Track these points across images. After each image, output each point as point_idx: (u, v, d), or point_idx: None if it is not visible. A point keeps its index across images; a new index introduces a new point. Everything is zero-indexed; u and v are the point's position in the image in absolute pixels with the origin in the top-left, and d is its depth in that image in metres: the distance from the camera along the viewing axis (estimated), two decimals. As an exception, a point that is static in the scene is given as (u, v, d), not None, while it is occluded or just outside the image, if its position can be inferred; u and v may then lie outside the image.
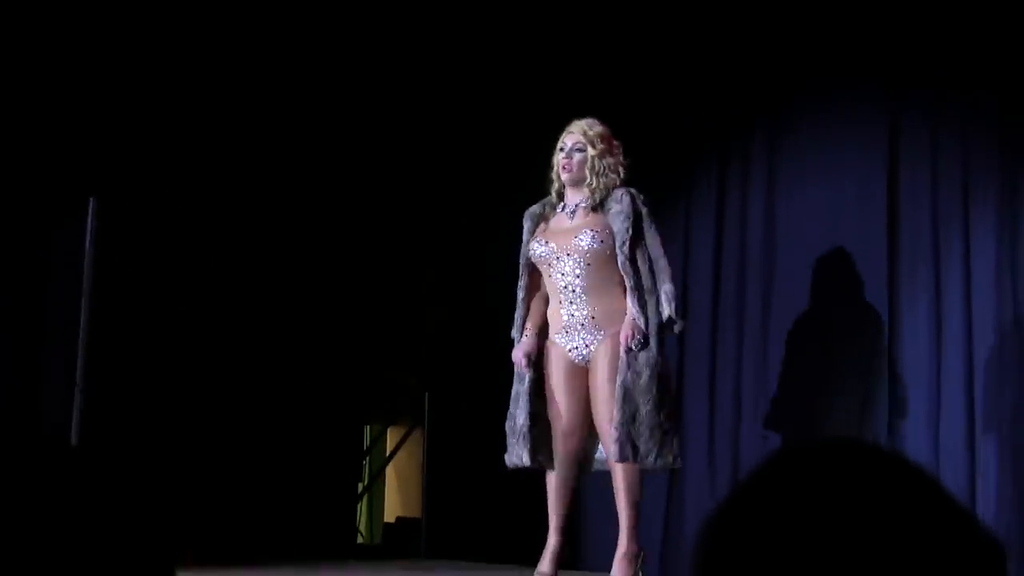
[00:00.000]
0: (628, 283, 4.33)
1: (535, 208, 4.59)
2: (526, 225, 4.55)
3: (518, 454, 4.45)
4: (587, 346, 4.40)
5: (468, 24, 6.47)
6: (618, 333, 4.31)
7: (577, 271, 4.40)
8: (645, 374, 4.27)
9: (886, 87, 5.42)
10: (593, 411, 4.36)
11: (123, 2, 5.81)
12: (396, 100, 6.64)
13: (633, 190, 4.45)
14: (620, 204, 4.41)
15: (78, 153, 5.75)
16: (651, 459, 4.29)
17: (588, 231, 4.39)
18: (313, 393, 6.38)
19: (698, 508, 5.64)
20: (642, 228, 4.40)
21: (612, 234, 4.37)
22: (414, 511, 7.18)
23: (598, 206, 4.45)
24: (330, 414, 6.53)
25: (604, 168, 4.46)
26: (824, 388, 5.46)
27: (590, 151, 4.46)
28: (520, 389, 4.47)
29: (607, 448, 4.33)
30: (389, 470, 7.93)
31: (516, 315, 4.53)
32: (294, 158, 6.37)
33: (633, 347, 4.25)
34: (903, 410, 5.24)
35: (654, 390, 4.27)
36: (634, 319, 4.29)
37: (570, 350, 4.42)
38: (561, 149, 4.51)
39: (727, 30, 5.85)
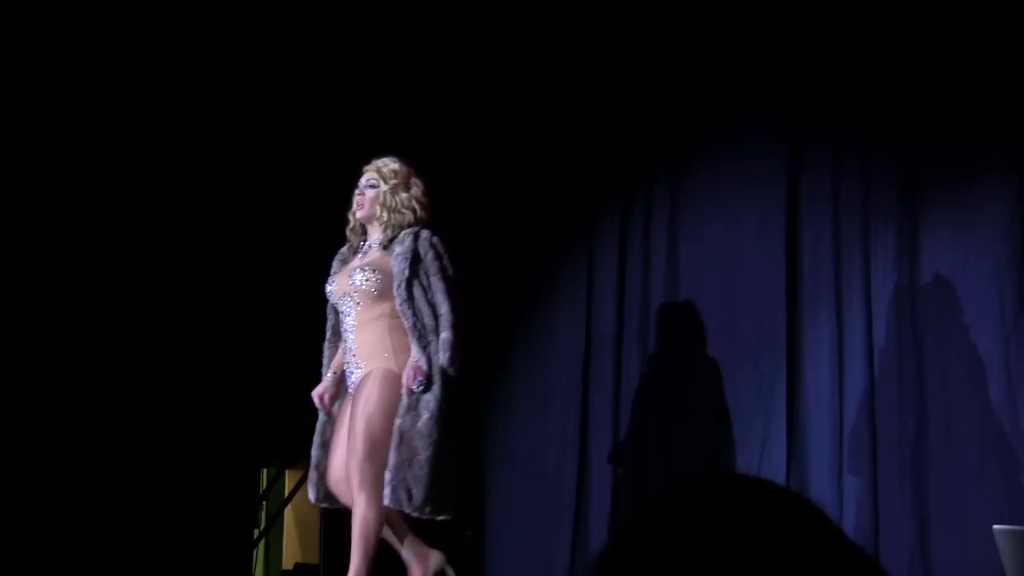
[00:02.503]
0: (406, 324, 4.29)
1: (343, 250, 4.61)
2: (332, 268, 4.57)
3: (310, 491, 4.56)
4: (353, 382, 4.39)
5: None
6: (377, 369, 4.29)
7: (349, 309, 4.40)
8: (424, 417, 4.21)
9: (788, 121, 5.45)
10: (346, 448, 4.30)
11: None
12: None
13: (425, 232, 4.42)
14: (402, 246, 4.37)
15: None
16: (428, 508, 4.25)
17: (360, 270, 4.39)
18: (207, 432, 6.17)
19: (601, 542, 5.55)
20: (423, 271, 4.34)
21: (390, 275, 4.34)
22: (313, 557, 7.00)
23: (387, 244, 4.44)
24: (225, 454, 6.33)
25: (396, 204, 4.44)
26: (726, 421, 5.42)
27: (382, 187, 4.46)
28: (317, 427, 4.55)
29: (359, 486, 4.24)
30: (287, 514, 7.73)
31: (323, 357, 4.59)
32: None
33: (415, 388, 4.19)
34: (804, 441, 5.22)
35: (435, 435, 4.21)
36: (416, 360, 4.24)
37: (349, 386, 4.43)
38: (357, 187, 4.54)
39: (628, 62, 5.85)
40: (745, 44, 5.52)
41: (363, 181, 4.51)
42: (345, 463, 4.28)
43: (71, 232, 5.68)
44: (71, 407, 5.60)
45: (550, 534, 5.85)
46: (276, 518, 7.47)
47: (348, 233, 4.57)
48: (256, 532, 6.93)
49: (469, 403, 6.36)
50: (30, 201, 5.58)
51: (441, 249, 4.38)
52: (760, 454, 5.27)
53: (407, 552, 4.42)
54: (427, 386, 4.20)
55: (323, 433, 4.51)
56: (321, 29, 6.13)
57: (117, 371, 5.75)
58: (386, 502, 4.19)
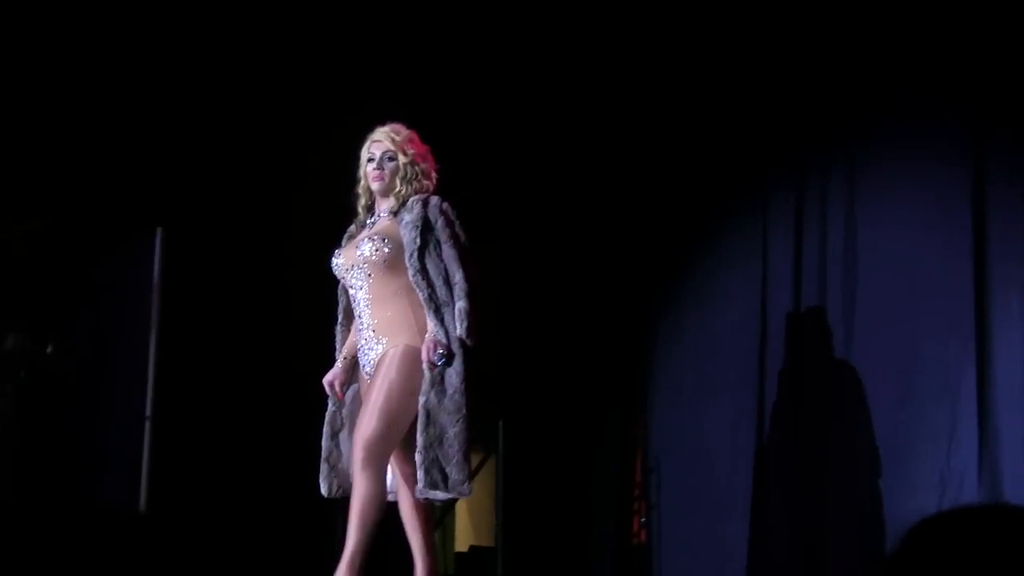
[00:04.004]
0: (421, 296, 4.04)
1: (351, 227, 4.36)
2: (341, 243, 4.31)
3: (322, 485, 4.27)
4: (370, 361, 4.12)
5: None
6: (399, 346, 4.03)
7: (360, 283, 4.15)
8: (449, 392, 3.96)
9: (973, 107, 5.19)
10: (356, 425, 4.05)
11: (190, 33, 5.74)
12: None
13: (434, 198, 4.18)
14: (411, 213, 4.13)
15: (144, 184, 5.73)
16: (462, 487, 4.01)
17: (369, 240, 4.14)
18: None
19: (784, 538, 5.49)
20: (434, 239, 4.10)
21: (400, 244, 4.10)
22: (487, 540, 7.05)
23: (396, 212, 4.20)
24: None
25: (416, 174, 4.23)
26: (909, 409, 5.26)
27: (401, 158, 4.22)
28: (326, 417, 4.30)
29: (402, 475, 4.07)
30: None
31: (335, 341, 4.35)
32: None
33: (436, 363, 3.95)
34: (995, 431, 5.03)
35: (464, 410, 3.97)
36: (433, 334, 3.98)
37: (363, 366, 4.17)
38: (371, 160, 4.26)
39: (812, 41, 5.68)
40: (931, 27, 5.30)
41: (378, 153, 4.23)
42: (356, 433, 4.03)
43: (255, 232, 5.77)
44: (262, 403, 5.76)
45: (721, 521, 5.77)
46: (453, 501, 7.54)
47: (360, 209, 4.33)
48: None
49: (634, 386, 6.37)
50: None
51: (452, 215, 4.15)
52: (948, 445, 5.09)
53: (421, 550, 4.12)
54: (448, 360, 3.97)
55: (333, 423, 4.26)
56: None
57: (302, 368, 5.87)
58: (420, 487, 3.97)
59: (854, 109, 5.57)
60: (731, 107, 6.01)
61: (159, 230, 5.69)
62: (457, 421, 3.96)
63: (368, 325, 4.12)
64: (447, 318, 4.00)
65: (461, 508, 8.04)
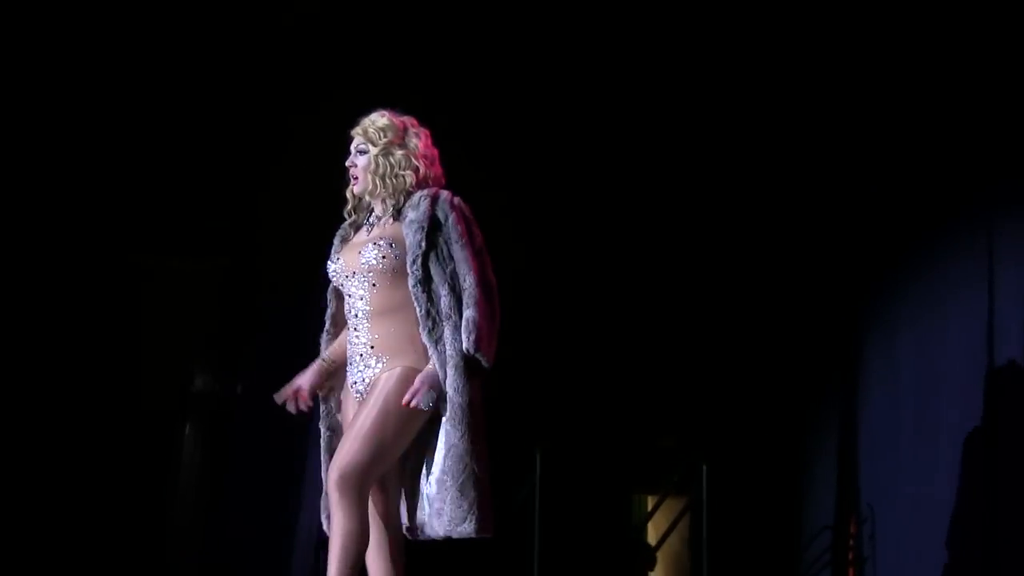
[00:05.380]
0: (418, 311, 3.50)
1: (344, 226, 3.80)
2: (333, 246, 3.76)
3: (324, 521, 3.71)
4: (364, 380, 3.58)
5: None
6: (403, 368, 3.50)
7: (362, 292, 3.61)
8: (453, 417, 3.42)
9: None
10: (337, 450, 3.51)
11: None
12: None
13: (444, 193, 3.62)
14: (416, 211, 3.58)
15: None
16: (466, 526, 3.45)
17: (373, 245, 3.59)
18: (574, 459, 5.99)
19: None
20: (443, 240, 3.55)
21: (405, 248, 3.56)
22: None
23: (397, 214, 3.63)
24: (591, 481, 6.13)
25: (389, 167, 3.63)
26: None
27: (371, 150, 3.66)
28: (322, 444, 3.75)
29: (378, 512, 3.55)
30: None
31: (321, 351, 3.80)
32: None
33: (418, 403, 3.41)
34: None
35: (457, 439, 3.41)
36: (430, 372, 3.45)
37: (353, 384, 3.62)
38: (348, 155, 3.74)
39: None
40: None
41: (352, 147, 3.73)
42: (336, 457, 3.51)
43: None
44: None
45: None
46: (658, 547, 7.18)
47: (346, 213, 3.77)
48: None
49: (846, 427, 5.94)
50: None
51: (466, 212, 3.61)
52: None
53: None
54: (435, 404, 3.44)
55: (331, 450, 3.68)
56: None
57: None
58: (441, 532, 3.50)
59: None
60: (956, 125, 5.54)
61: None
62: (458, 448, 3.42)
63: (366, 341, 3.59)
64: (447, 335, 3.47)
65: (663, 561, 7.66)
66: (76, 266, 5.83)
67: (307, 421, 5.74)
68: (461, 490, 3.43)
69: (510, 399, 5.91)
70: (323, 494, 3.64)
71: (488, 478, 3.48)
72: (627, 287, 6.37)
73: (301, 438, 5.81)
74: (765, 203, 6.27)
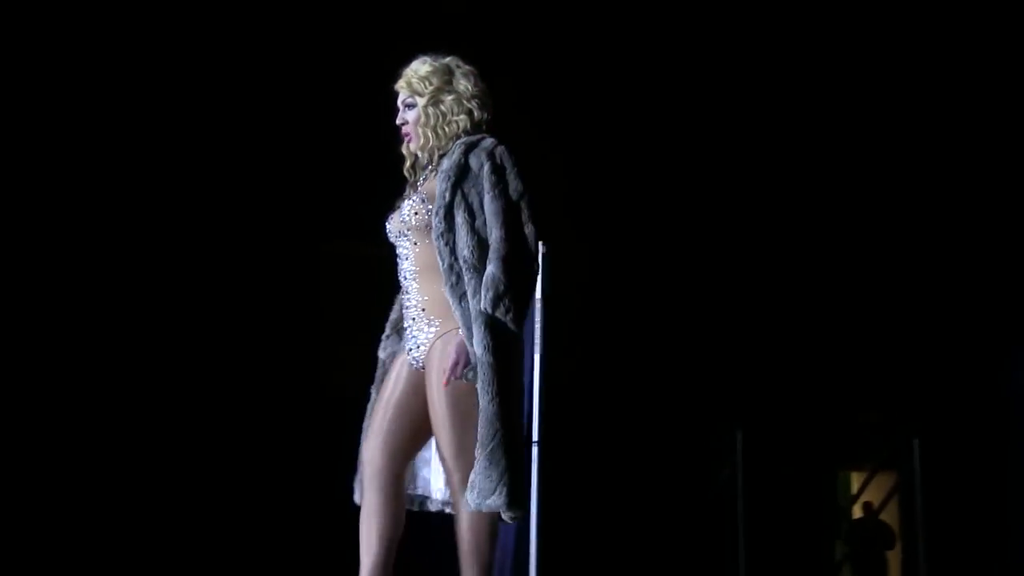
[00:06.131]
0: (441, 265, 3.20)
1: (407, 187, 3.45)
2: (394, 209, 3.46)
3: (356, 490, 3.40)
4: (418, 346, 3.28)
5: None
6: (453, 331, 3.19)
7: (407, 252, 3.34)
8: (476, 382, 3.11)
9: None
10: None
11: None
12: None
13: (487, 140, 3.28)
14: (449, 159, 3.26)
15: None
16: (495, 500, 3.10)
17: (408, 201, 3.31)
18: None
19: None
20: (474, 190, 3.24)
21: None
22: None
23: (439, 165, 3.31)
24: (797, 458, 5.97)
25: (441, 116, 3.33)
26: None
27: (420, 101, 3.34)
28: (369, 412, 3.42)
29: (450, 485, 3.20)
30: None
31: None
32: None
33: (458, 377, 3.13)
34: None
35: (487, 402, 3.09)
36: (460, 340, 3.16)
37: (409, 351, 3.30)
38: (397, 111, 3.42)
39: None
40: None
41: (399, 104, 3.40)
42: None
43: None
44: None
45: None
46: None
47: (406, 172, 3.42)
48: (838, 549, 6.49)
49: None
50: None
51: (504, 160, 3.25)
52: None
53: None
54: (473, 373, 3.14)
55: (373, 412, 3.41)
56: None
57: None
58: (471, 506, 3.16)
59: None
60: None
61: (540, 244, 5.48)
62: (487, 412, 3.10)
63: (417, 303, 3.32)
64: (473, 290, 3.16)
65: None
66: (266, 254, 5.84)
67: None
68: (491, 458, 3.12)
69: (708, 381, 5.80)
70: (359, 464, 3.33)
71: (521, 446, 3.16)
72: (824, 261, 6.20)
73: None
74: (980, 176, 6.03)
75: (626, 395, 5.75)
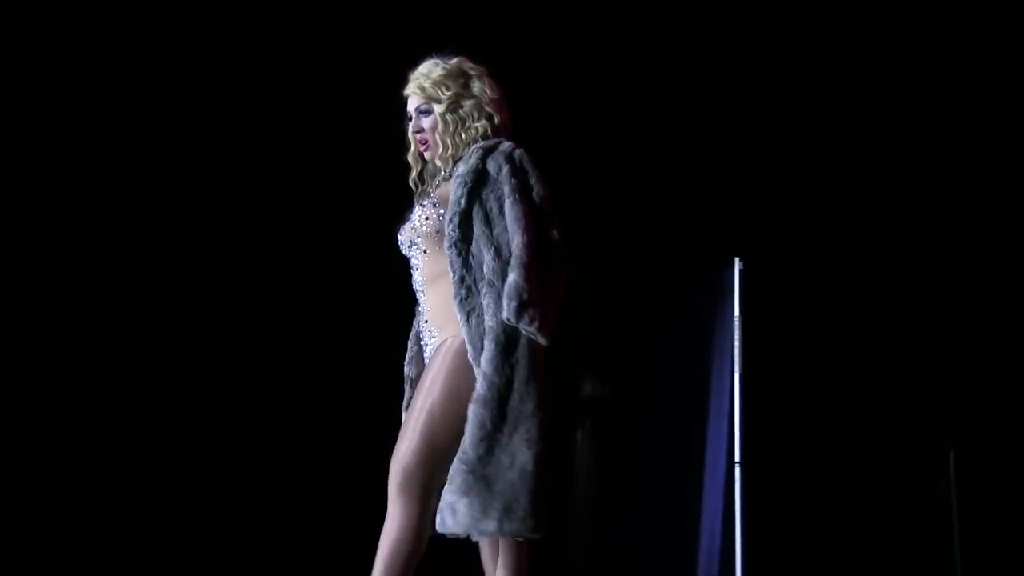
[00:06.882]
0: (451, 276, 3.02)
1: (417, 196, 3.35)
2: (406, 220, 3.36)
3: None
4: (424, 358, 3.18)
5: None
6: (454, 339, 3.03)
7: (417, 261, 3.19)
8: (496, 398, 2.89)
9: None
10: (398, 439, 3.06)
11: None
12: None
13: (504, 144, 3.11)
14: (466, 164, 3.09)
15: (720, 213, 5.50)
16: (479, 524, 2.88)
17: (419, 207, 3.19)
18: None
19: None
20: (493, 196, 3.03)
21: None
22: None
23: (453, 170, 3.17)
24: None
25: (460, 122, 3.17)
26: None
27: (437, 108, 3.19)
28: None
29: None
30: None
31: None
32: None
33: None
34: None
35: (517, 421, 2.87)
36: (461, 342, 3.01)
37: (427, 360, 3.19)
38: (409, 119, 3.27)
39: None
40: None
41: (411, 111, 3.27)
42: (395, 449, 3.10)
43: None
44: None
45: None
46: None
47: (411, 183, 3.33)
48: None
49: None
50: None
51: (524, 163, 3.07)
52: None
53: None
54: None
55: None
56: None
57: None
58: (459, 531, 2.97)
59: None
60: None
61: (736, 260, 5.38)
62: (502, 433, 2.92)
63: (424, 312, 3.20)
64: (486, 304, 2.95)
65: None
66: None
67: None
68: (489, 484, 2.91)
69: (917, 398, 5.56)
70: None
71: (533, 471, 2.92)
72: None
73: (697, 441, 5.67)
74: None
75: (830, 412, 5.61)
